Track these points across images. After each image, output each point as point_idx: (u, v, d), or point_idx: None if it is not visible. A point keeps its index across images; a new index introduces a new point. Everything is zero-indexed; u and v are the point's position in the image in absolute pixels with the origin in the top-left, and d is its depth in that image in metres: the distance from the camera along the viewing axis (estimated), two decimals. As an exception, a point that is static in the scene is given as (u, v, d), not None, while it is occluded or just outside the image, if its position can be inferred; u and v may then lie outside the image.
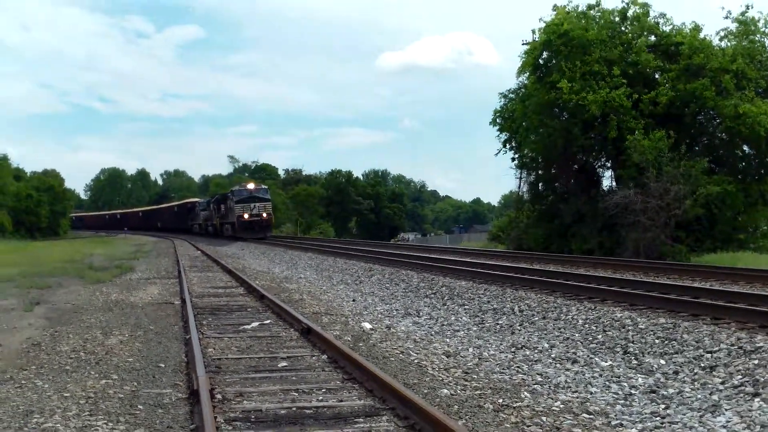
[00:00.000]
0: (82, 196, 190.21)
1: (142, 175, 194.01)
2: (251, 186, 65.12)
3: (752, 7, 35.32)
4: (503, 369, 10.13)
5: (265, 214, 61.61)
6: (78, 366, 10.27)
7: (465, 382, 9.28)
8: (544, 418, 7.65)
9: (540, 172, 42.61)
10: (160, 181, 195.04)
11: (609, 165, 39.33)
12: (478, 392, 8.71)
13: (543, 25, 38.11)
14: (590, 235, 35.72)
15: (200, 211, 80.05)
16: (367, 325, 13.82)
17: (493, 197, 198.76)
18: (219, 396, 8.28)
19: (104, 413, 7.76)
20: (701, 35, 36.18)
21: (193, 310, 15.46)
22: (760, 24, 34.83)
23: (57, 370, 10.05)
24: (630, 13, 37.62)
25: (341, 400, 8.11)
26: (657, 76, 36.66)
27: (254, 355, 10.89)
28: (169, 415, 7.77)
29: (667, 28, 37.73)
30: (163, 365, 10.34)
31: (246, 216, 60.61)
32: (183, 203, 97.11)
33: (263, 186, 68.53)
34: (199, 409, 7.49)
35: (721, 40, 35.80)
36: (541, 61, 38.47)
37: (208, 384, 8.31)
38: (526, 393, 8.79)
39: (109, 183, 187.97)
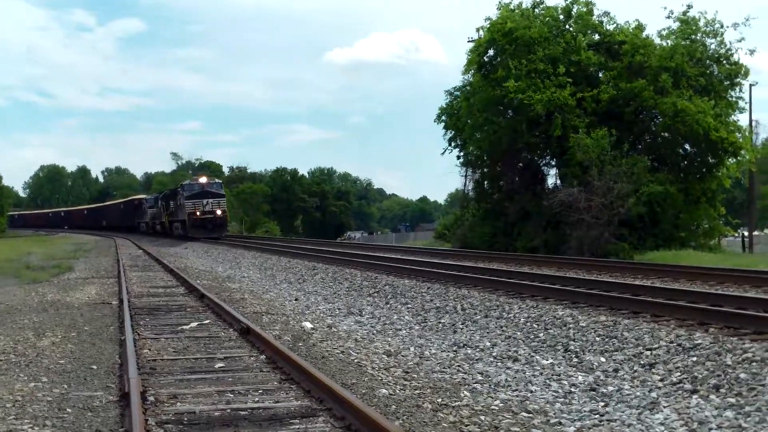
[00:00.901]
0: (21, 194, 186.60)
1: (83, 172, 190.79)
2: (204, 180, 59.71)
3: (692, 7, 35.71)
4: (444, 368, 10.03)
5: (219, 211, 56.22)
6: (7, 369, 9.91)
7: (405, 381, 9.16)
8: (482, 417, 7.55)
9: (485, 170, 42.79)
10: (101, 179, 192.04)
11: (554, 163, 39.64)
12: (418, 392, 8.59)
13: (488, 23, 38.24)
14: (535, 233, 35.94)
15: (147, 208, 75.21)
16: (308, 325, 13.64)
17: (440, 195, 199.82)
18: (152, 398, 8.03)
19: (31, 417, 7.47)
20: (644, 34, 36.66)
21: (131, 310, 15.13)
22: (701, 23, 35.34)
23: (-16, 372, 9.70)
24: (574, 11, 37.94)
25: (278, 401, 7.92)
26: (600, 74, 37.05)
27: (191, 356, 10.63)
28: (99, 419, 7.50)
29: (611, 27, 38.16)
30: (95, 367, 10.04)
31: (198, 213, 55.00)
32: (129, 200, 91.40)
33: (217, 180, 63.28)
34: (129, 412, 7.25)
35: (662, 39, 36.26)
36: (486, 59, 38.60)
37: (140, 386, 8.06)
38: (465, 392, 8.69)
39: (49, 180, 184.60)
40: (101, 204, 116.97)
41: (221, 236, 54.96)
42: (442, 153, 43.77)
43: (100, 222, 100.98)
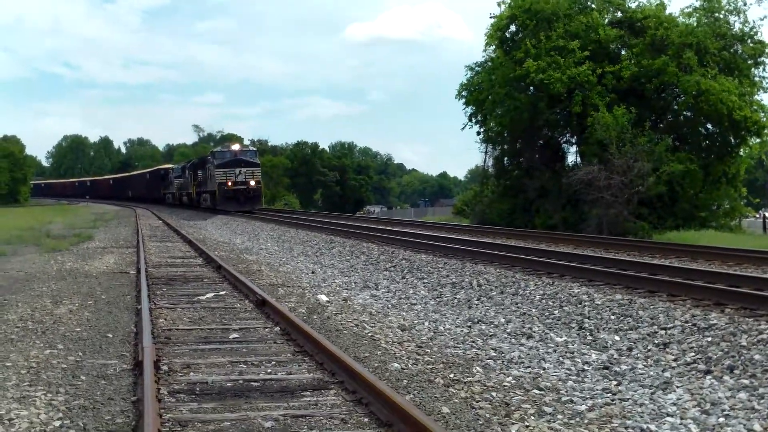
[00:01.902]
0: (44, 163, 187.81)
1: (105, 143, 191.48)
2: (236, 147, 54.12)
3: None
4: (457, 343, 10.03)
5: (253, 182, 50.38)
6: (24, 335, 10.02)
7: (417, 356, 9.16)
8: (494, 394, 7.55)
9: (505, 146, 42.54)
10: (123, 150, 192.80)
11: (574, 141, 39.37)
12: (430, 367, 8.59)
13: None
14: (554, 210, 35.77)
15: (174, 178, 70.27)
16: (324, 298, 13.67)
17: (459, 171, 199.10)
18: (165, 367, 8.09)
19: (45, 384, 7.54)
20: (666, 12, 36.24)
21: (148, 280, 15.23)
22: (724, 1, 34.89)
23: (2, 339, 9.79)
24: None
25: (290, 373, 7.96)
26: (622, 51, 36.71)
27: (206, 326, 10.70)
28: (112, 387, 7.56)
29: (633, 5, 37.75)
30: (111, 335, 10.11)
31: (229, 183, 49.44)
32: (155, 170, 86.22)
33: (251, 148, 56.48)
34: (141, 381, 7.30)
35: (685, 17, 35.84)
36: (507, 35, 38.31)
37: (154, 355, 8.11)
38: (478, 368, 8.68)
39: (72, 150, 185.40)
40: (127, 174, 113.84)
41: (254, 210, 49.61)
42: (462, 128, 43.51)
43: (125, 192, 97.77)
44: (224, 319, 11.25)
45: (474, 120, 42.78)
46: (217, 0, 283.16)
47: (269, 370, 8.09)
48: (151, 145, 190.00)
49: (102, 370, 8.21)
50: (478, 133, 43.39)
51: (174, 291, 14.24)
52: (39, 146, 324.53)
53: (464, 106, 42.85)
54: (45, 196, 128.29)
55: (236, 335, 10.00)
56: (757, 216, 49.93)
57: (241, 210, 47.88)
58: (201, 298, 13.33)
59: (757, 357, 8.13)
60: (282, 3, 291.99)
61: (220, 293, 13.87)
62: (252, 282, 14.65)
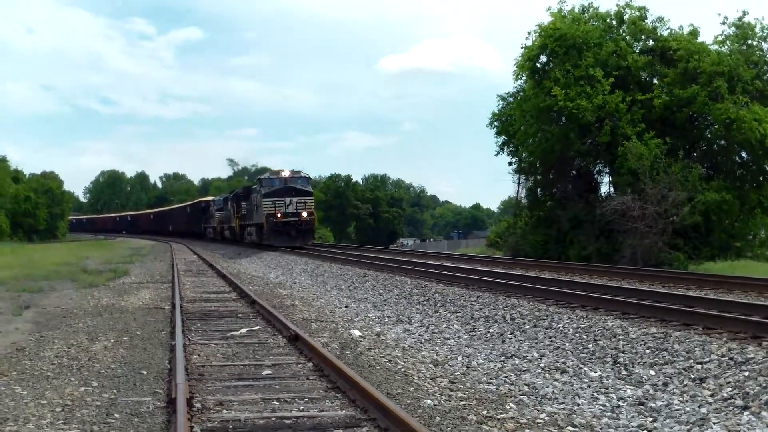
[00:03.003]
0: (81, 198, 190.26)
1: (142, 177, 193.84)
2: (286, 173, 46.71)
3: (748, 14, 35.14)
4: (491, 379, 9.98)
5: (305, 213, 44.59)
6: (59, 372, 10.12)
7: (450, 392, 9.13)
8: (527, 431, 7.49)
9: (538, 177, 42.48)
10: (159, 184, 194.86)
11: (607, 171, 39.22)
12: (463, 403, 8.56)
13: (539, 29, 38.05)
14: (588, 241, 35.57)
15: (215, 211, 65.66)
16: (357, 332, 13.68)
17: (492, 203, 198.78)
18: (198, 405, 8.13)
19: (79, 422, 7.62)
20: (698, 40, 36.15)
21: (182, 315, 15.32)
22: (757, 29, 34.75)
23: (38, 376, 9.90)
24: (626, 16, 37.61)
25: (322, 410, 7.97)
26: (654, 80, 36.65)
27: (239, 362, 10.74)
28: (145, 425, 7.62)
29: (664, 33, 37.69)
30: (145, 372, 10.19)
31: (279, 215, 43.94)
32: (196, 202, 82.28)
33: (303, 174, 47.99)
34: (174, 419, 7.34)
35: (718, 45, 35.73)
36: (538, 65, 38.38)
37: (187, 392, 8.16)
38: (511, 404, 8.64)
39: (109, 185, 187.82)
40: (167, 208, 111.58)
41: (306, 245, 44.67)
42: (496, 154, 43.51)
43: (165, 227, 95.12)
44: (257, 354, 11.29)
45: (506, 150, 42.83)
46: (252, 35, 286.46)
47: (301, 407, 8.11)
48: (187, 179, 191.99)
49: (135, 407, 8.27)
50: (510, 164, 43.44)
51: (208, 326, 14.33)
52: (77, 181, 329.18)
53: (496, 136, 42.96)
54: (86, 232, 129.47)
55: (269, 371, 10.03)
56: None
57: (291, 246, 42.83)
58: (235, 333, 13.40)
59: (795, 392, 8.00)
60: (315, 36, 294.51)
61: (254, 328, 13.92)
62: (285, 317, 14.69)
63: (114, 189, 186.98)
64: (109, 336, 13.24)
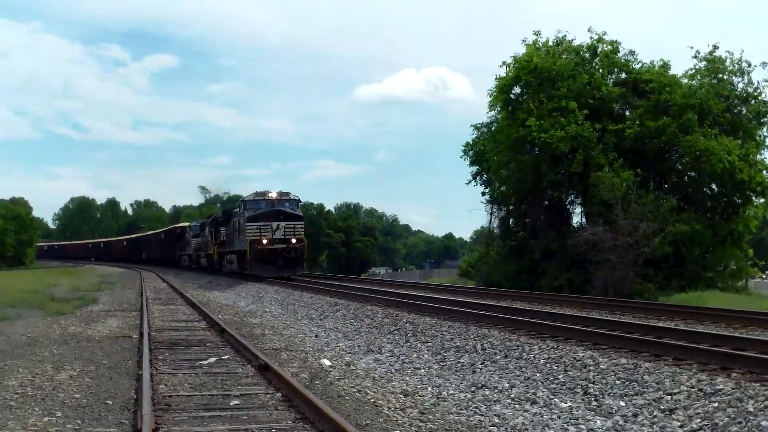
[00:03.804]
0: (51, 225, 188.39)
1: (112, 204, 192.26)
2: (273, 194, 41.78)
3: (719, 47, 35.64)
4: (461, 409, 9.91)
5: (294, 240, 40.08)
6: (23, 402, 9.93)
7: (420, 423, 9.05)
8: (497, 463, 7.43)
9: (511, 207, 42.67)
10: (130, 211, 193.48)
11: (579, 201, 39.45)
12: (433, 434, 8.48)
13: (513, 60, 38.34)
14: (559, 271, 35.70)
15: (191, 237, 61.93)
16: (327, 362, 13.56)
17: (465, 233, 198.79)
18: (164, 436, 8.00)
19: (41, 454, 7.46)
20: (670, 73, 36.60)
21: (150, 344, 15.14)
22: (728, 63, 35.23)
23: (1, 405, 9.71)
24: (599, 50, 38.03)
25: (290, 442, 7.86)
26: (627, 112, 37.04)
27: (207, 392, 10.60)
28: (109, 457, 7.48)
29: (636, 66, 38.15)
30: (110, 402, 10.02)
31: (264, 241, 39.49)
32: (170, 229, 79.08)
33: (292, 196, 42.92)
34: (139, 451, 7.21)
35: (689, 78, 36.18)
36: (512, 96, 38.65)
37: (152, 423, 8.03)
38: (481, 435, 8.57)
39: (78, 212, 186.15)
40: (140, 234, 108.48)
41: (295, 275, 40.56)
42: (467, 183, 43.69)
43: (139, 254, 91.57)
44: (226, 384, 11.15)
45: (478, 180, 43.06)
46: (227, 62, 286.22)
47: (269, 438, 8.00)
48: (158, 206, 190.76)
49: (100, 438, 8.12)
50: (483, 194, 43.65)
51: (176, 355, 14.15)
52: (47, 208, 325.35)
53: (468, 165, 43.19)
54: (57, 259, 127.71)
55: (237, 402, 9.90)
56: (764, 277, 49.69)
57: (279, 276, 38.70)
58: (203, 362, 13.24)
59: (764, 423, 8.01)
60: (291, 65, 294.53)
61: (223, 358, 13.77)
62: (254, 346, 14.57)
63: (84, 215, 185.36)
64: (75, 365, 13.04)
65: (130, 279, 51.25)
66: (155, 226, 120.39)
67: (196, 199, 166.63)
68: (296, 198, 43.07)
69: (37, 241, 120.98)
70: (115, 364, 13.30)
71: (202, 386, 11.04)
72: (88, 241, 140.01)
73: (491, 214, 45.43)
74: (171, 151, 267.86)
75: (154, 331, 17.91)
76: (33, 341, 16.56)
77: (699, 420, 8.60)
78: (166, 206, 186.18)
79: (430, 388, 11.38)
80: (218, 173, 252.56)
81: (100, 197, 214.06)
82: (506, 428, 8.96)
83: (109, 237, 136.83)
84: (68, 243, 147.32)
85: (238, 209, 44.00)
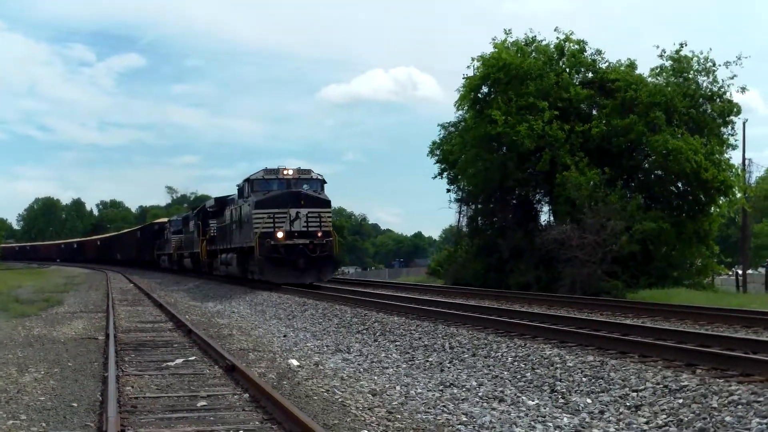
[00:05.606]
0: (15, 226, 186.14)
1: (78, 205, 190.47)
2: (290, 172, 32.07)
3: (685, 46, 35.89)
4: (429, 408, 9.92)
5: (320, 232, 31.04)
6: (-14, 406, 9.80)
7: (388, 422, 9.04)
8: (464, 461, 7.44)
9: (479, 206, 42.72)
10: (95, 212, 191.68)
11: (546, 200, 39.60)
12: (400, 433, 8.48)
13: (481, 58, 38.35)
14: (527, 270, 35.77)
15: (171, 234, 53.27)
16: (295, 362, 13.52)
17: (434, 231, 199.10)
18: (129, 438, 7.92)
19: (4, 457, 7.36)
20: (636, 72, 36.83)
21: (116, 345, 15.01)
22: (693, 62, 35.53)
23: (-37, 410, 9.57)
24: (566, 49, 38.19)
25: (257, 443, 7.82)
26: (594, 111, 37.22)
27: (174, 393, 10.53)
28: (74, 460, 7.39)
29: (603, 66, 38.35)
30: (76, 405, 9.91)
31: (280, 234, 30.47)
32: (147, 225, 71.90)
33: (315, 175, 32.86)
34: (104, 453, 7.14)
35: (654, 77, 36.42)
36: (480, 95, 38.68)
37: (118, 425, 7.95)
38: (449, 434, 8.58)
39: (43, 213, 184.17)
40: (114, 233, 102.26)
41: (323, 280, 32.38)
42: (434, 178, 43.64)
43: (113, 255, 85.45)
44: (192, 385, 11.07)
45: (446, 176, 43.07)
46: (194, 63, 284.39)
47: (236, 440, 7.95)
48: (124, 207, 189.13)
49: (65, 441, 8.03)
50: (448, 191, 43.64)
51: (143, 357, 14.04)
52: (11, 209, 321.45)
53: (435, 163, 43.20)
54: (25, 260, 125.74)
55: (204, 403, 9.83)
56: (730, 274, 50.28)
57: (300, 282, 30.51)
58: (170, 364, 13.14)
59: (728, 419, 8.09)
60: (259, 66, 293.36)
61: (190, 359, 13.68)
62: (222, 347, 14.50)
63: (48, 216, 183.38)
64: (39, 367, 12.89)
65: (96, 280, 50.77)
66: (121, 227, 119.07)
67: (162, 200, 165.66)
68: (319, 177, 32.88)
69: (2, 242, 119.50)
70: (80, 366, 13.16)
71: (169, 388, 10.96)
72: (60, 241, 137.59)
73: (459, 213, 45.52)
74: (137, 152, 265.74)
75: (121, 333, 17.77)
76: (-3, 344, 16.36)
77: (664, 416, 8.67)
78: (133, 207, 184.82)
79: (398, 387, 11.38)
80: (185, 173, 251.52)
81: (66, 198, 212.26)
82: (474, 426, 8.97)
83: (80, 237, 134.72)
84: (38, 243, 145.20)
85: (235, 195, 35.43)
